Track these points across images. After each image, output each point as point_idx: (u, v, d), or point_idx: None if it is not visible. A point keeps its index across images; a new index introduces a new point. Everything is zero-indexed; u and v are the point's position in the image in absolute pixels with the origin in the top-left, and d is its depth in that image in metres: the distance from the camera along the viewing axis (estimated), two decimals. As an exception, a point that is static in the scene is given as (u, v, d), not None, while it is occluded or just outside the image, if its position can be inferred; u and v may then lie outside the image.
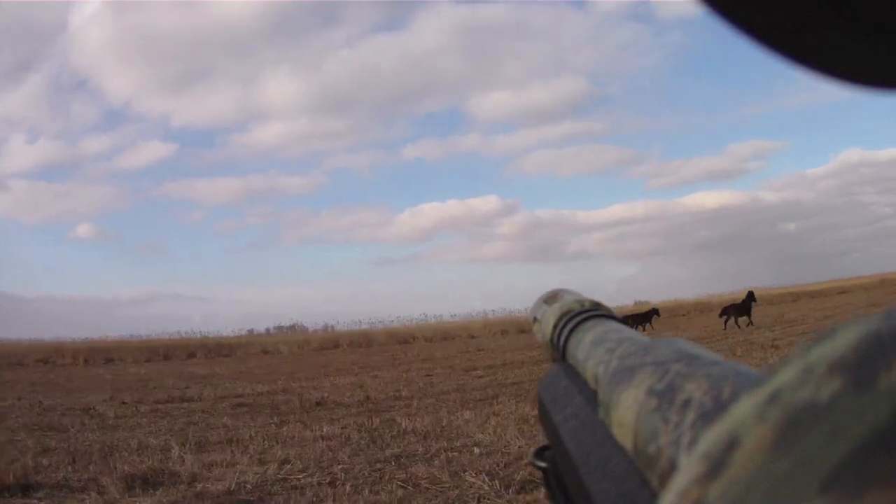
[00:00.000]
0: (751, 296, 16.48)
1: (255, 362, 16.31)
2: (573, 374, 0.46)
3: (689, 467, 0.16)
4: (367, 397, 8.03)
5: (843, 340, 0.15)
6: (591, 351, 0.43)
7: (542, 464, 0.47)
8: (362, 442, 5.21)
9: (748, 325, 15.76)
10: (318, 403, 7.74)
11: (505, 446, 4.60)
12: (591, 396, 0.40)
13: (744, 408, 0.16)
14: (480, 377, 9.52)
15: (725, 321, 16.28)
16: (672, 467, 0.27)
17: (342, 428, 5.89)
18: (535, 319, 0.58)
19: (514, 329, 22.76)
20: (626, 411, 0.32)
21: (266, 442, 5.40)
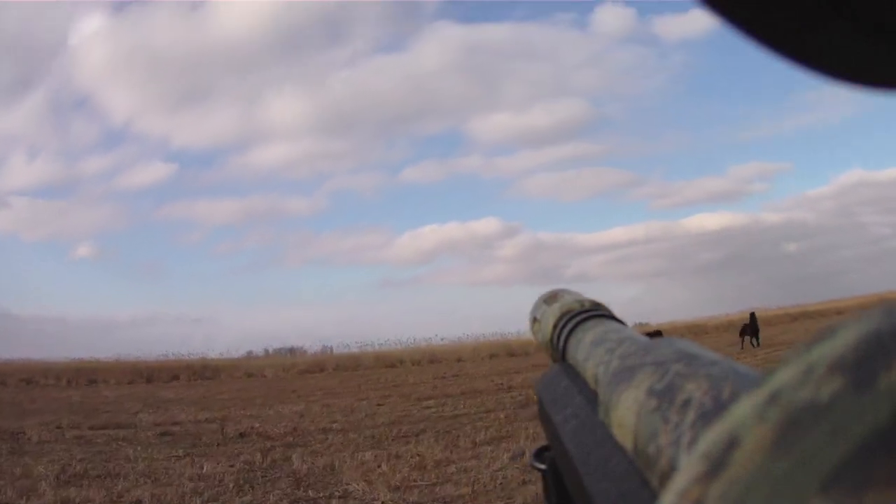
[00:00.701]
0: (753, 317, 16.64)
1: (232, 386, 15.70)
2: (573, 374, 0.46)
3: (689, 467, 0.16)
4: (295, 429, 7.68)
5: (843, 340, 0.15)
6: (591, 351, 0.43)
7: (542, 466, 0.47)
8: (231, 485, 5.04)
9: (755, 345, 15.85)
10: (241, 434, 7.45)
11: (370, 502, 4.41)
12: (591, 396, 0.40)
13: (744, 408, 0.16)
14: (428, 408, 9.02)
15: (742, 342, 16.31)
16: (672, 467, 0.27)
17: (230, 465, 5.68)
18: (534, 319, 0.58)
19: (504, 352, 22.42)
20: (626, 411, 0.32)
21: (137, 479, 5.25)
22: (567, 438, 0.38)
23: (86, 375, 17.94)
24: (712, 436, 0.16)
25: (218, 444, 6.92)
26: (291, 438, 7.18)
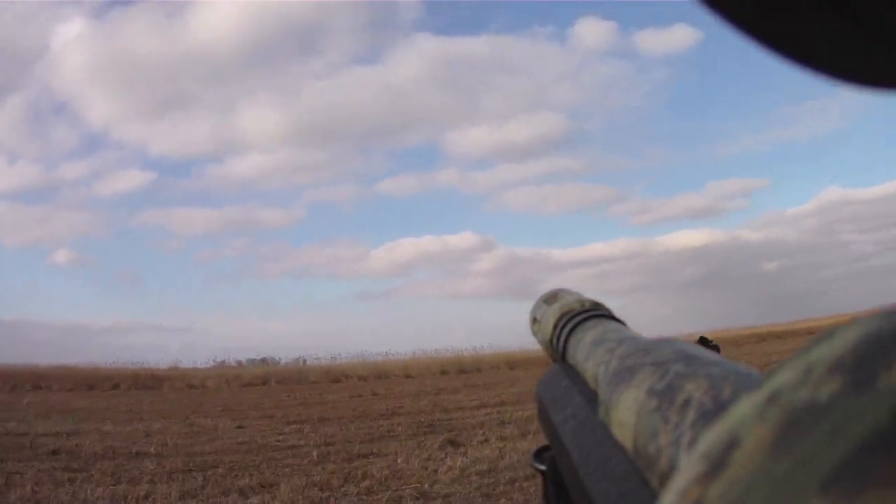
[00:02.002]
0: (703, 340, 16.99)
1: (161, 398, 15.01)
2: (573, 374, 0.46)
3: (689, 467, 0.16)
4: (114, 450, 7.07)
5: (843, 340, 0.15)
6: (592, 351, 0.43)
7: (542, 466, 0.47)
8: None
9: None
10: (53, 452, 6.92)
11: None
12: (591, 396, 0.40)
13: (744, 408, 0.16)
14: (280, 434, 8.33)
15: None
16: (672, 467, 0.27)
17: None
18: (534, 319, 0.58)
19: (455, 369, 21.93)
20: (626, 411, 0.32)
21: None
22: (567, 438, 0.38)
23: (31, 381, 17.38)
24: (712, 436, 0.16)
25: (21, 461, 6.41)
26: (93, 460, 6.63)
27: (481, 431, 7.74)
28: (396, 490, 5.23)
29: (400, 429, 8.42)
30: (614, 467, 0.31)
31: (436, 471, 5.78)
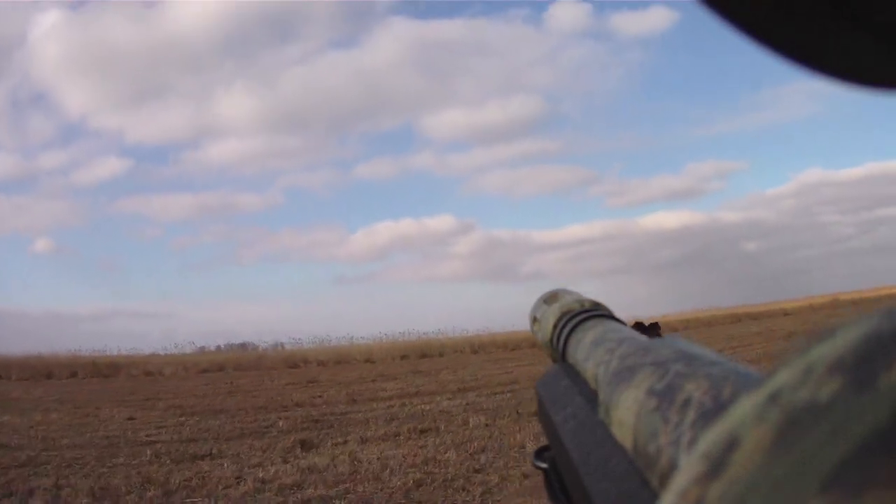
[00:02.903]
0: (638, 325, 17.49)
1: (108, 386, 14.28)
2: (573, 374, 0.46)
3: (689, 467, 0.16)
4: None
5: (843, 340, 0.15)
6: (592, 351, 0.43)
7: (543, 465, 0.47)
8: None
9: None
10: None
11: None
12: (591, 396, 0.40)
13: (744, 408, 0.16)
14: (158, 427, 7.69)
15: None
16: (672, 467, 0.27)
17: None
18: (534, 319, 0.58)
19: (416, 354, 21.47)
20: (626, 411, 0.32)
21: None
22: (567, 438, 0.38)
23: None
24: (712, 436, 0.16)
25: None
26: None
27: (355, 430, 7.03)
28: (179, 501, 4.65)
29: (281, 423, 7.64)
30: (614, 467, 0.31)
31: (244, 480, 5.07)
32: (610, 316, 0.51)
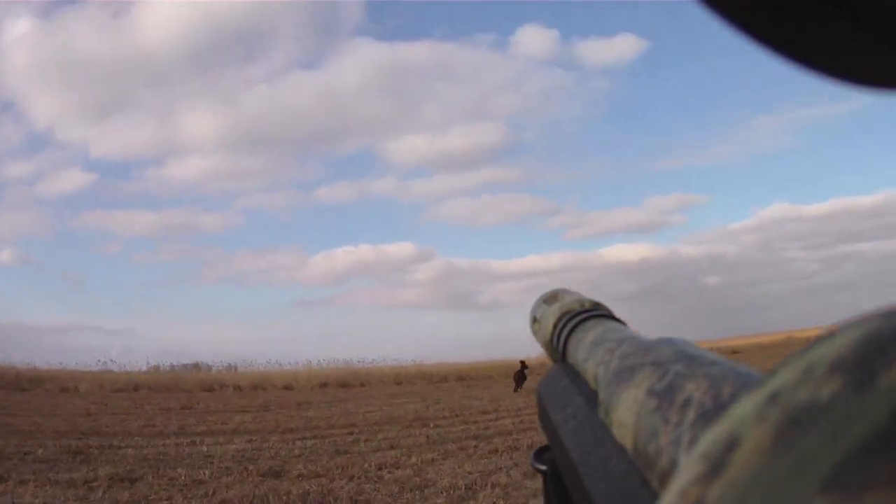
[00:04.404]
0: (522, 365, 17.70)
1: (18, 400, 13.82)
2: (573, 374, 0.46)
3: (689, 467, 0.16)
4: None
5: (843, 340, 0.15)
6: (592, 351, 0.43)
7: (542, 466, 0.47)
8: None
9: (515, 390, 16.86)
10: None
11: None
12: (591, 396, 0.40)
13: (744, 408, 0.16)
14: None
15: (517, 384, 17.26)
16: (672, 467, 0.27)
17: None
18: (534, 319, 0.57)
19: (336, 383, 21.18)
20: (626, 411, 0.32)
21: None
22: (567, 438, 0.38)
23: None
24: (712, 436, 0.16)
25: None
26: None
27: (48, 469, 5.91)
28: None
29: (40, 451, 6.78)
30: (614, 467, 0.31)
31: None
32: (610, 316, 0.51)
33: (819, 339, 0.15)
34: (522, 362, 18.01)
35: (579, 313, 0.51)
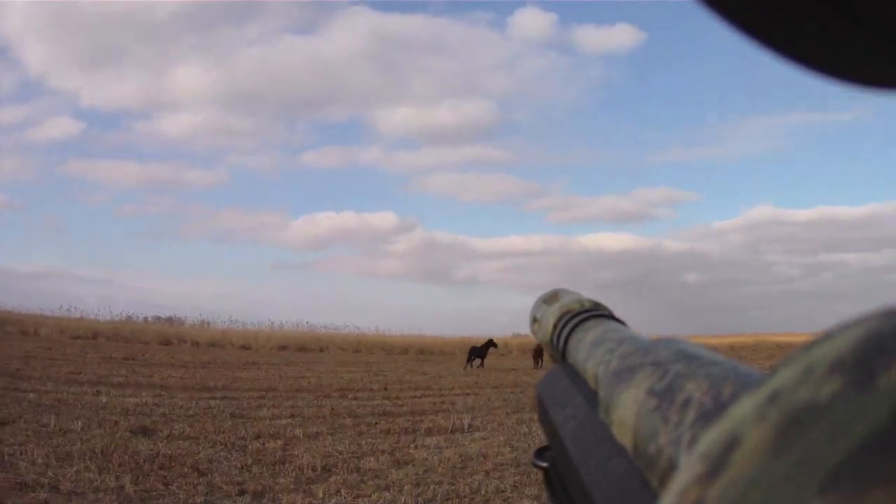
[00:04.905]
0: (490, 342, 18.79)
1: None
2: (573, 374, 0.46)
3: (689, 467, 0.16)
4: None
5: (843, 340, 0.15)
6: (592, 351, 0.43)
7: (543, 464, 0.47)
8: None
9: (479, 366, 17.84)
10: None
11: None
12: (591, 396, 0.40)
13: (744, 408, 0.16)
14: None
15: (467, 361, 18.08)
16: (672, 467, 0.27)
17: None
18: (534, 319, 0.57)
19: (295, 346, 21.50)
20: (626, 411, 0.32)
21: None
22: (567, 438, 0.38)
23: None
24: (712, 436, 0.16)
25: None
26: None
27: None
28: None
29: None
30: (614, 467, 0.31)
31: None
32: (610, 316, 0.51)
33: (819, 339, 0.16)
34: (491, 340, 18.81)
35: (579, 313, 0.51)
